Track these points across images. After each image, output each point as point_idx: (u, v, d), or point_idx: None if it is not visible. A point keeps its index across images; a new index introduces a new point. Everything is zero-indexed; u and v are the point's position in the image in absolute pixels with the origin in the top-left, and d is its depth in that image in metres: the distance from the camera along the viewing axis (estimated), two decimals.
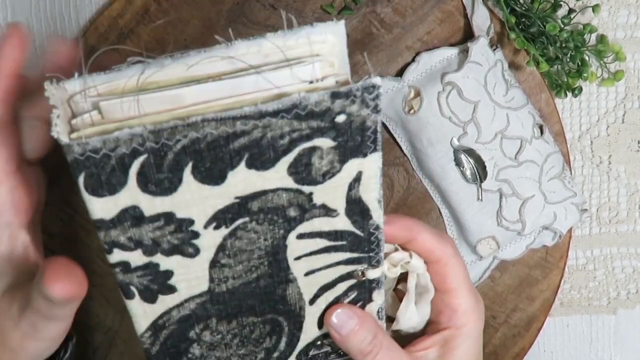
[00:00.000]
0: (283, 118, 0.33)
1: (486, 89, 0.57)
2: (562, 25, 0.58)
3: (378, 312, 0.44)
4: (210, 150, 0.33)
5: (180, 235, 0.36)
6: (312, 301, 0.42)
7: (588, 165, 0.64)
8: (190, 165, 0.34)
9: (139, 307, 0.40)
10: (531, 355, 0.64)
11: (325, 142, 0.35)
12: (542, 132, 0.59)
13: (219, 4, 0.59)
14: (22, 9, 0.61)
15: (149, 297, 0.39)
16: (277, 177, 0.35)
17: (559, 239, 0.60)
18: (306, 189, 0.36)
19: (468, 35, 0.59)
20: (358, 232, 0.39)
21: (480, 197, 0.59)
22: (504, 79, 0.58)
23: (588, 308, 0.66)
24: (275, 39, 0.33)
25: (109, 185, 0.34)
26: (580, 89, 0.60)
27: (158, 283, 0.38)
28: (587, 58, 0.60)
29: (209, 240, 0.37)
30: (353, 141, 0.35)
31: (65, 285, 0.38)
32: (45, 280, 0.37)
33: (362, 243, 0.40)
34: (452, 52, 0.59)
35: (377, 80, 0.33)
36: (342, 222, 0.39)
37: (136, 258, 0.37)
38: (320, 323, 0.43)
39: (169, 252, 0.37)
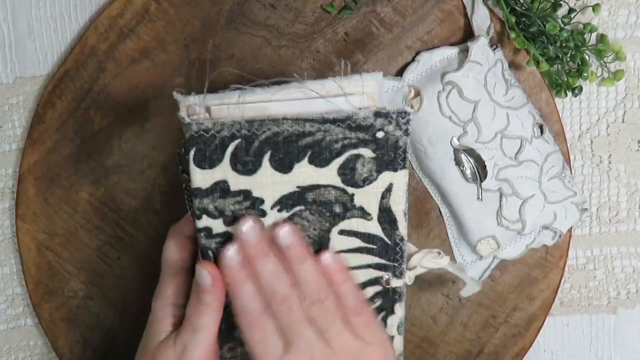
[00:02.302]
0: (339, 126, 0.44)
1: (486, 89, 0.57)
2: (562, 25, 0.58)
3: (398, 326, 0.52)
4: (285, 144, 0.44)
5: (253, 212, 0.46)
6: None
7: (588, 165, 0.64)
8: (269, 153, 0.44)
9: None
10: (531, 355, 0.64)
11: (367, 152, 0.45)
12: (542, 132, 0.59)
13: (219, 4, 0.59)
14: (22, 9, 0.61)
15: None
16: (330, 174, 0.46)
17: (559, 238, 0.60)
18: (350, 190, 0.46)
19: (468, 34, 0.59)
20: (386, 239, 0.48)
21: (480, 197, 0.59)
22: (504, 78, 0.58)
23: (588, 308, 0.66)
24: (335, 80, 0.45)
25: (210, 160, 0.44)
26: (581, 89, 0.60)
27: None
28: (587, 57, 0.60)
29: (273, 219, 0.47)
30: (388, 156, 0.45)
31: (212, 266, 0.47)
32: (199, 262, 0.47)
33: (389, 251, 0.49)
34: (452, 52, 0.59)
35: (409, 108, 0.44)
36: (374, 227, 0.48)
37: (217, 226, 0.46)
38: None
39: None
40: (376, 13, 0.59)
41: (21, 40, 0.61)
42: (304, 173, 0.45)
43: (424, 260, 0.51)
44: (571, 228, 0.62)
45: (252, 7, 0.59)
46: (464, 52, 0.58)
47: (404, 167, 0.46)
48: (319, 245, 0.48)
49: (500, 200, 0.58)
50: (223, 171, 0.45)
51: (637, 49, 0.62)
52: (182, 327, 0.49)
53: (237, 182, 0.45)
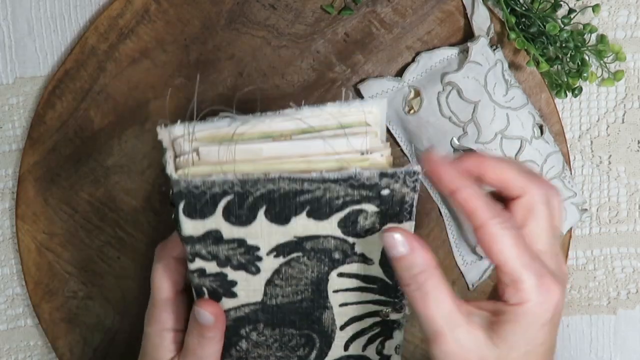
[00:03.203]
0: (340, 185, 0.42)
1: (486, 89, 0.57)
2: (562, 25, 0.58)
3: (396, 348, 0.51)
4: (281, 200, 0.42)
5: (247, 257, 0.45)
6: (342, 327, 0.49)
7: (588, 165, 0.64)
8: (264, 207, 0.42)
9: None
10: None
11: (370, 208, 0.43)
12: (542, 132, 0.59)
13: (219, 4, 0.59)
14: (22, 9, 0.61)
15: (215, 297, 0.47)
16: (330, 227, 0.44)
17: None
18: (350, 239, 0.45)
19: (468, 35, 0.59)
20: (388, 280, 0.47)
21: None
22: (504, 79, 0.58)
23: (588, 308, 0.66)
24: (335, 106, 0.42)
25: (201, 212, 0.42)
26: (580, 89, 0.60)
27: (224, 288, 0.46)
28: (587, 58, 0.60)
29: (269, 264, 0.45)
30: (393, 210, 0.43)
31: (212, 305, 0.47)
32: (197, 303, 0.47)
33: (389, 290, 0.47)
34: (452, 52, 0.59)
35: (417, 168, 0.41)
36: (375, 270, 0.46)
37: (211, 267, 0.45)
38: (347, 346, 0.50)
39: (236, 268, 0.46)
40: (376, 13, 0.59)
41: (21, 40, 0.61)
42: (303, 225, 0.44)
43: None
44: (571, 228, 0.62)
45: (252, 8, 0.59)
46: (464, 53, 0.58)
47: (409, 219, 0.43)
48: (317, 285, 0.47)
49: None
50: (215, 222, 0.43)
51: (637, 49, 0.62)
52: (185, 357, 0.48)
53: (231, 232, 0.44)
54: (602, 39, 0.60)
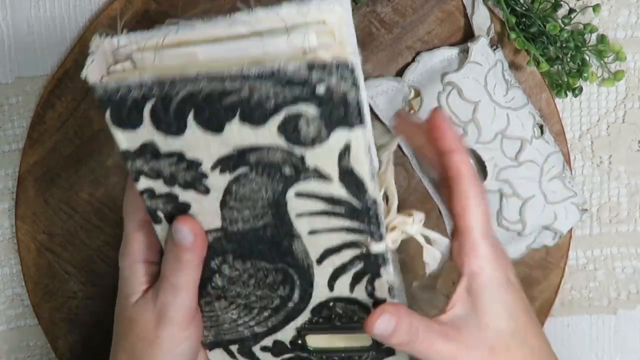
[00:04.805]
0: (266, 83, 0.37)
1: (486, 89, 0.57)
2: (563, 25, 0.58)
3: (389, 290, 0.46)
4: (208, 104, 0.38)
5: (192, 174, 0.41)
6: (319, 261, 0.45)
7: (588, 165, 0.64)
8: (192, 112, 0.39)
9: (167, 232, 0.45)
10: None
11: (308, 110, 0.38)
12: (542, 132, 0.59)
13: (219, 4, 0.59)
14: (22, 9, 0.61)
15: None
16: (269, 134, 0.39)
17: (559, 239, 0.60)
18: (297, 151, 0.39)
19: (468, 35, 0.59)
20: (355, 203, 0.41)
21: None
22: (504, 79, 0.58)
23: (588, 308, 0.66)
24: (290, 8, 0.37)
25: (129, 122, 0.40)
26: (581, 89, 0.60)
27: (180, 211, 0.43)
28: (587, 58, 0.60)
29: (216, 182, 0.42)
30: (337, 112, 0.38)
31: (192, 222, 0.44)
32: (176, 220, 0.44)
33: (360, 214, 0.42)
34: (452, 52, 0.59)
35: (351, 58, 0.36)
36: (337, 190, 0.41)
37: (159, 187, 0.42)
38: (331, 286, 0.46)
39: (184, 186, 0.42)
40: (376, 13, 0.59)
41: (21, 40, 0.61)
42: (239, 133, 0.39)
43: (400, 226, 0.46)
44: (571, 229, 0.62)
45: (251, 8, 0.59)
46: (464, 53, 0.58)
47: (361, 122, 0.38)
48: (276, 207, 0.42)
49: (501, 201, 0.58)
50: (148, 132, 0.40)
51: (638, 49, 0.62)
52: (159, 287, 0.46)
53: (166, 143, 0.40)
54: (602, 39, 0.60)
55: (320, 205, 0.42)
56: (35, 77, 0.61)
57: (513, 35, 0.57)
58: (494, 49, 0.58)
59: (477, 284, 0.44)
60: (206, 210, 0.43)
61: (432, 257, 0.47)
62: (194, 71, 0.37)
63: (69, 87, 0.60)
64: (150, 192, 0.43)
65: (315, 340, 0.48)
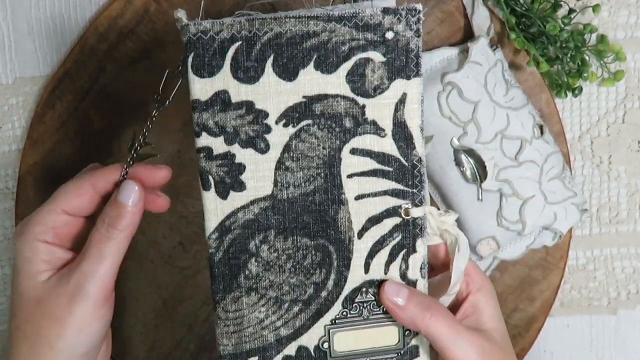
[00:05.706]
0: (345, 25, 0.43)
1: (486, 89, 0.57)
2: (562, 25, 0.58)
3: (421, 267, 0.48)
4: (289, 46, 0.43)
5: (256, 127, 0.44)
6: (360, 234, 0.46)
7: (588, 165, 0.64)
8: (272, 57, 0.43)
9: (213, 202, 0.45)
10: (531, 355, 0.64)
11: (377, 56, 0.44)
12: (542, 132, 0.59)
13: (219, 5, 0.59)
14: (22, 9, 0.61)
15: (223, 191, 0.45)
16: (338, 82, 0.44)
17: (559, 239, 0.60)
18: (360, 100, 0.44)
19: (468, 35, 0.59)
20: (403, 160, 0.45)
21: (480, 197, 0.59)
22: (504, 79, 0.58)
23: (588, 308, 0.66)
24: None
25: (209, 67, 0.43)
26: (581, 89, 0.60)
27: (232, 176, 0.45)
28: (587, 58, 0.60)
29: (278, 136, 0.44)
30: (399, 60, 0.44)
31: (140, 186, 0.45)
32: (126, 181, 0.45)
33: (406, 174, 0.46)
34: (452, 52, 0.59)
35: (419, 5, 0.43)
36: (389, 145, 0.45)
37: (218, 145, 0.44)
38: (367, 265, 0.47)
39: (245, 144, 0.44)
40: None
41: (21, 40, 0.61)
42: (310, 80, 0.44)
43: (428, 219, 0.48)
44: (571, 229, 0.62)
45: (251, 8, 0.59)
46: (464, 53, 0.58)
47: (417, 74, 0.44)
48: (330, 167, 0.45)
49: (501, 201, 0.58)
50: (224, 79, 0.43)
51: (637, 49, 0.62)
52: (81, 258, 0.45)
53: (239, 92, 0.44)
54: (602, 39, 0.60)
55: (372, 164, 0.45)
56: (35, 77, 0.61)
57: (513, 36, 0.57)
58: (494, 49, 0.58)
59: (482, 297, 0.49)
60: (260, 173, 0.45)
61: (457, 267, 0.49)
62: (284, 13, 0.42)
63: (69, 87, 0.60)
64: (208, 152, 0.44)
65: (343, 340, 0.48)
